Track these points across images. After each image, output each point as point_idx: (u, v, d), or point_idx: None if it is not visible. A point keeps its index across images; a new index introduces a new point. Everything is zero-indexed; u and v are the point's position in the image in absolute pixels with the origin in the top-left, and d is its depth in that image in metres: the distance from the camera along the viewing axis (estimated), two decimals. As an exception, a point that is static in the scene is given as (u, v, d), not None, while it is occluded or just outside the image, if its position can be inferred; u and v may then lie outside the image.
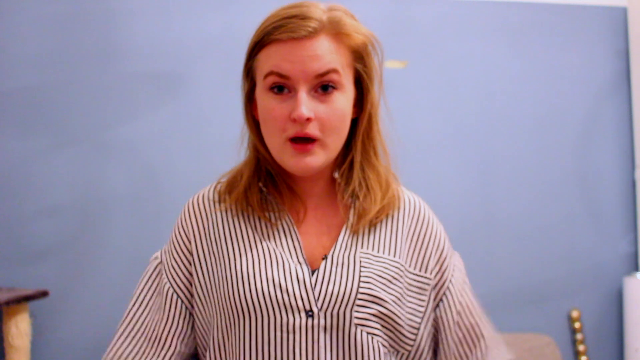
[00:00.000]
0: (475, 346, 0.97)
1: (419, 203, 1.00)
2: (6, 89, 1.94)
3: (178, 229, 0.96)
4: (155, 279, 0.97)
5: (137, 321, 0.94)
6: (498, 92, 2.13)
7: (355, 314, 0.85)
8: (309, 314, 0.85)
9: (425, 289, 0.93)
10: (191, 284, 0.93)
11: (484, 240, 2.10)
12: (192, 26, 2.01)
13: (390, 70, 2.08)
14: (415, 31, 2.11)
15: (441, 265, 0.97)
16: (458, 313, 0.97)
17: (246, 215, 0.93)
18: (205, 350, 0.94)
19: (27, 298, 1.76)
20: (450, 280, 0.97)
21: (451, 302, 0.97)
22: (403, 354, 0.91)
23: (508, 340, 1.96)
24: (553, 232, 2.13)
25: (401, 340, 0.90)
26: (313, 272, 0.88)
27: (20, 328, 1.75)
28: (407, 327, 0.90)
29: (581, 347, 2.10)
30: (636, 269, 2.17)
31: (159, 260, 0.98)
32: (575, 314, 2.10)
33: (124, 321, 0.95)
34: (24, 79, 1.94)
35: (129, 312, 0.95)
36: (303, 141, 0.86)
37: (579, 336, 2.10)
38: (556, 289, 2.12)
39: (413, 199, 1.00)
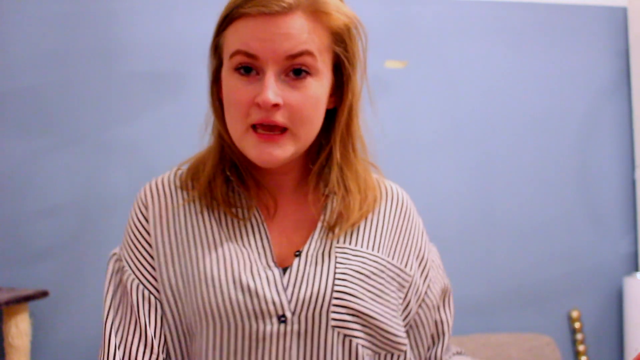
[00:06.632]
0: (438, 340, 0.92)
1: (401, 194, 0.94)
2: (6, 89, 1.93)
3: (136, 216, 0.86)
4: (119, 284, 0.85)
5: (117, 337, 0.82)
6: (498, 92, 2.13)
7: (331, 315, 0.77)
8: (282, 319, 0.76)
9: (404, 286, 0.86)
10: (156, 279, 0.82)
11: (483, 240, 2.10)
12: (193, 26, 2.01)
13: (390, 70, 2.08)
14: (415, 31, 2.10)
15: (420, 262, 0.90)
16: (434, 308, 0.91)
17: (211, 209, 0.84)
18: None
19: (27, 298, 1.75)
20: (431, 279, 0.91)
21: (430, 303, 0.90)
22: (399, 356, 0.83)
23: (508, 341, 1.99)
24: (553, 232, 2.12)
25: (389, 339, 0.82)
26: (284, 272, 0.79)
27: (20, 328, 1.75)
28: (394, 325, 0.82)
29: (581, 347, 2.10)
30: (636, 269, 2.17)
31: (119, 261, 0.87)
32: (575, 314, 2.10)
33: (106, 339, 0.82)
34: (24, 79, 1.94)
35: (107, 329, 0.83)
36: (269, 129, 0.76)
37: (579, 336, 2.10)
38: (556, 289, 2.12)
39: (395, 190, 0.93)
